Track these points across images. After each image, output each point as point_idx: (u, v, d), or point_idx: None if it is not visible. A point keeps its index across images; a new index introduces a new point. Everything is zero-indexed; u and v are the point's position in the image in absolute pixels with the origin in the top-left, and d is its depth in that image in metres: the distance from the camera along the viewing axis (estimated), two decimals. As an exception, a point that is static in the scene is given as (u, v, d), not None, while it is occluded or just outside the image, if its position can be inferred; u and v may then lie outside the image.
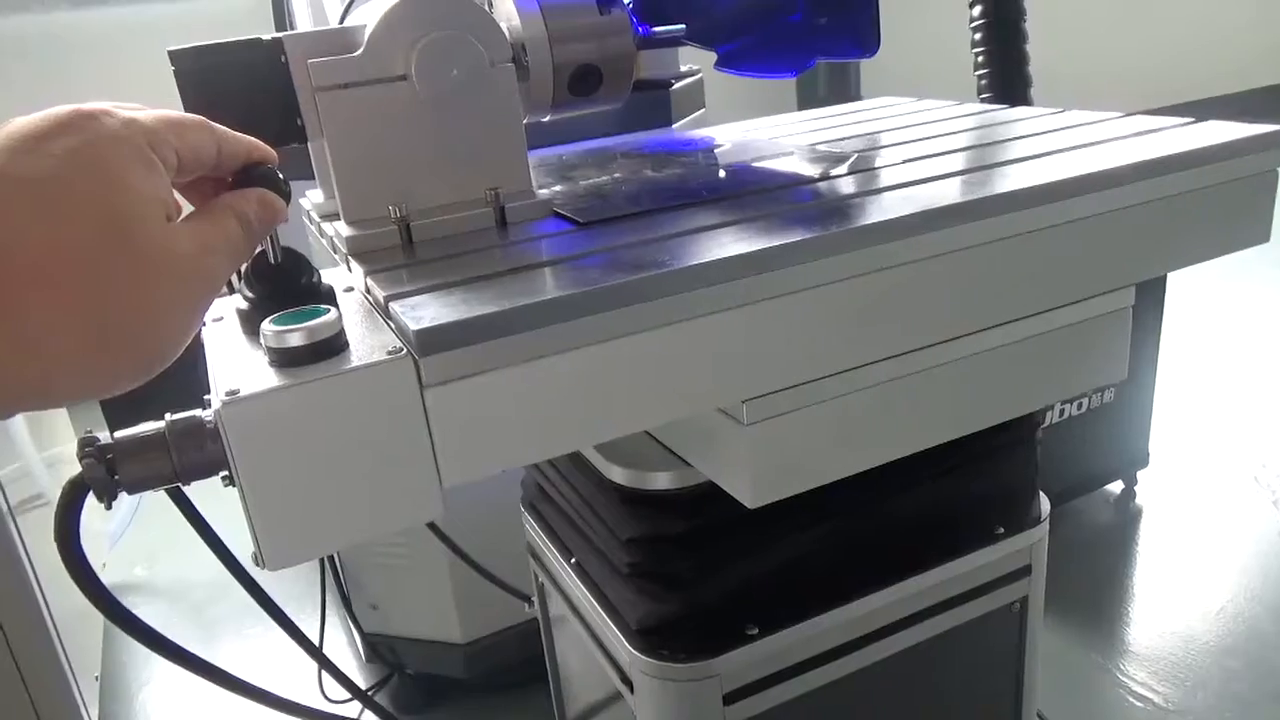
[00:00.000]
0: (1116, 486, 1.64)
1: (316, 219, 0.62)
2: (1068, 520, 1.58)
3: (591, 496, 0.65)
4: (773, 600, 0.62)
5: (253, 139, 0.42)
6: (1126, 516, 1.59)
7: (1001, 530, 0.68)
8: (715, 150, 0.77)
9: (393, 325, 0.42)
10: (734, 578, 0.61)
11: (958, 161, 0.61)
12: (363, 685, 1.33)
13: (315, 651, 0.64)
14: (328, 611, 1.22)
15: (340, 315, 0.40)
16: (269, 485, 0.37)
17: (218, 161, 0.39)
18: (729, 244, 0.46)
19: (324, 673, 0.74)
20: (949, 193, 0.52)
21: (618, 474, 0.60)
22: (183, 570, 1.69)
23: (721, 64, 0.70)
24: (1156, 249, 0.58)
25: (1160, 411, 1.57)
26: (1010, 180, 0.54)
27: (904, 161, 0.62)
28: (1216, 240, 0.60)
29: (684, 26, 0.66)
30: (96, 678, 1.33)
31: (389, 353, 0.39)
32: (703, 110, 1.28)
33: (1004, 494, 0.71)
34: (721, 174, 0.68)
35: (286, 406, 0.36)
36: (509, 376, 0.40)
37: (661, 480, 0.59)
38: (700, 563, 0.60)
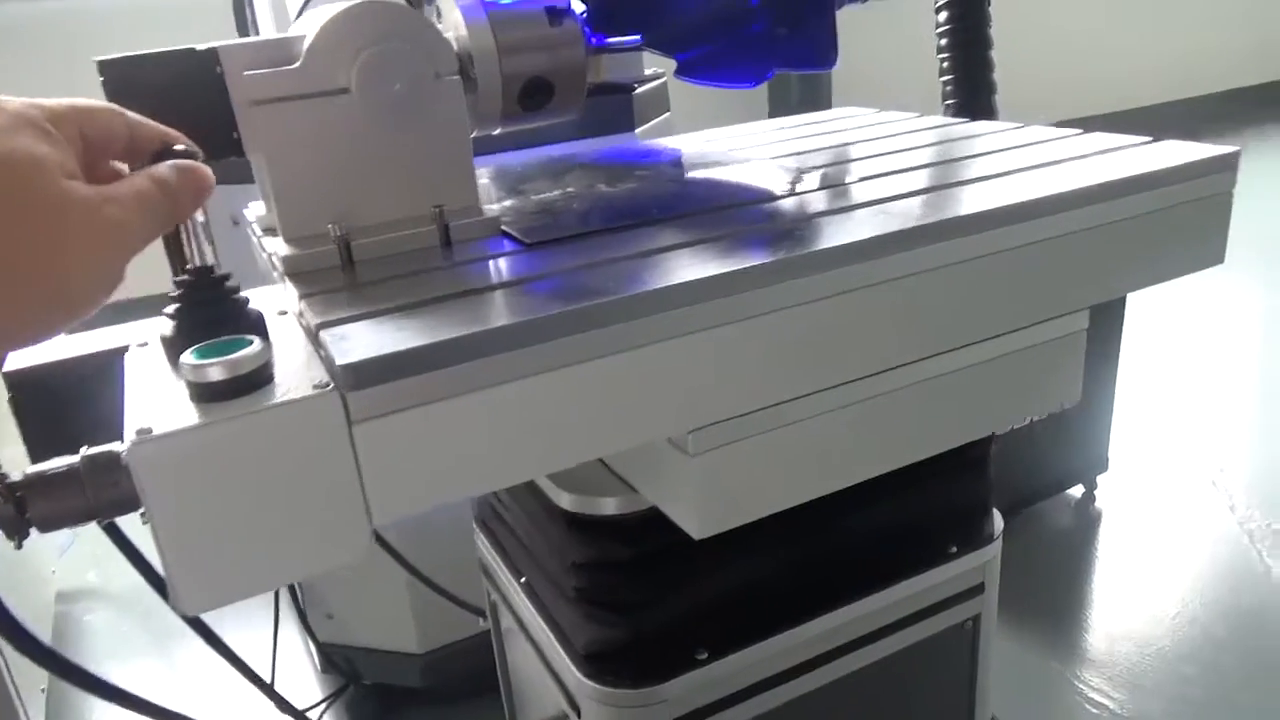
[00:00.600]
0: (1077, 491, 1.66)
1: (259, 233, 0.60)
2: (1028, 524, 1.59)
3: (538, 519, 0.64)
4: (722, 624, 0.61)
5: (171, 129, 0.42)
6: (1086, 520, 1.61)
7: (954, 549, 0.68)
8: (670, 164, 0.76)
9: (322, 355, 0.41)
10: (682, 602, 0.60)
11: (914, 181, 0.60)
12: (319, 695, 1.30)
13: (256, 678, 0.62)
14: (282, 618, 1.19)
15: (268, 346, 0.39)
16: (182, 528, 0.35)
17: (130, 144, 0.40)
18: (676, 269, 0.45)
19: (275, 686, 0.72)
20: (902, 216, 0.51)
21: (564, 499, 0.59)
22: (135, 576, 1.65)
23: (681, 73, 0.69)
24: (1112, 272, 0.58)
25: (1120, 416, 1.59)
26: (965, 203, 0.53)
27: (860, 180, 0.61)
28: (1172, 263, 0.60)
29: (639, 37, 0.64)
30: (43, 690, 1.30)
31: (315, 387, 0.37)
32: (667, 115, 1.27)
33: (957, 513, 0.70)
34: (674, 190, 0.67)
35: (202, 446, 0.35)
36: (442, 411, 0.39)
37: (608, 505, 0.58)
38: (647, 588, 0.59)
